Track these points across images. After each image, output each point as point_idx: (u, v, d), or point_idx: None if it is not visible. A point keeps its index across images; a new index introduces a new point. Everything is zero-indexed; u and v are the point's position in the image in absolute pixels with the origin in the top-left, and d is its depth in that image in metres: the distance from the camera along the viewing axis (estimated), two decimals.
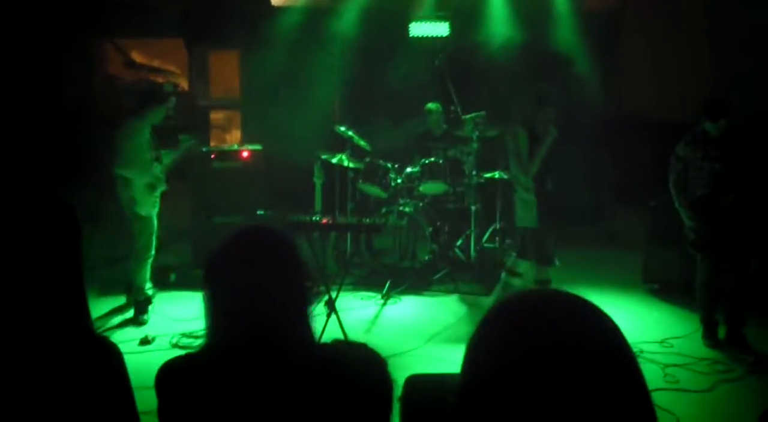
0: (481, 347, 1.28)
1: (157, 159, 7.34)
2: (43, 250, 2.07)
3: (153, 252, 7.47)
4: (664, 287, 8.18)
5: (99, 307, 7.52)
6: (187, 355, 2.25)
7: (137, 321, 7.32)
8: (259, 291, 2.08)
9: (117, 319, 7.42)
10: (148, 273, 7.49)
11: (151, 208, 7.34)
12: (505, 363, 1.20)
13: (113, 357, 2.19)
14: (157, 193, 7.37)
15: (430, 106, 9.41)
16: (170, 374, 2.18)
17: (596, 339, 1.23)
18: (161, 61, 13.39)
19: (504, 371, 1.20)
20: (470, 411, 1.25)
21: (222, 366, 2.08)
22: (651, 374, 6.02)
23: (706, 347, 6.64)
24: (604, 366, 1.20)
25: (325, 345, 2.16)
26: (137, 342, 6.68)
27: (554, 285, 7.29)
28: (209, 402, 2.07)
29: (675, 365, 6.21)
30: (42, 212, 2.11)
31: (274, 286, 2.09)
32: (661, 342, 6.74)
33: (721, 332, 6.71)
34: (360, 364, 2.06)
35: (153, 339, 6.77)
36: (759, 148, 6.47)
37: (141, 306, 7.40)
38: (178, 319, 7.31)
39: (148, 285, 7.52)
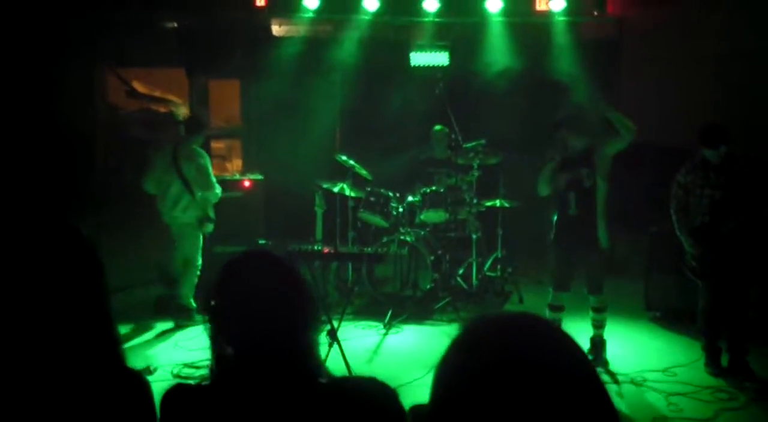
0: (446, 369, 1.30)
1: None
2: (70, 284, 2.09)
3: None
4: (666, 314, 8.17)
5: None
6: (196, 384, 2.26)
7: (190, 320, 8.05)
8: (264, 313, 2.10)
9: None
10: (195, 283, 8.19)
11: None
12: (467, 385, 1.23)
13: (144, 388, 2.21)
14: None
15: (436, 128, 9.44)
16: (176, 397, 2.18)
17: (559, 363, 1.24)
18: (162, 91, 13.44)
19: (467, 393, 1.22)
20: None
21: (229, 391, 2.09)
22: (655, 402, 6.03)
23: (709, 375, 6.62)
24: (567, 389, 1.21)
25: (337, 378, 2.18)
26: None
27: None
28: None
29: (678, 393, 6.19)
30: (64, 245, 2.13)
31: (279, 309, 2.12)
32: (664, 370, 6.72)
33: (724, 360, 6.70)
34: (373, 396, 2.07)
35: (155, 369, 6.75)
36: (759, 175, 6.49)
37: (189, 313, 8.11)
38: (180, 349, 7.32)
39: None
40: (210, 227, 8.15)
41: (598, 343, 6.95)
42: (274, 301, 2.11)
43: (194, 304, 8.15)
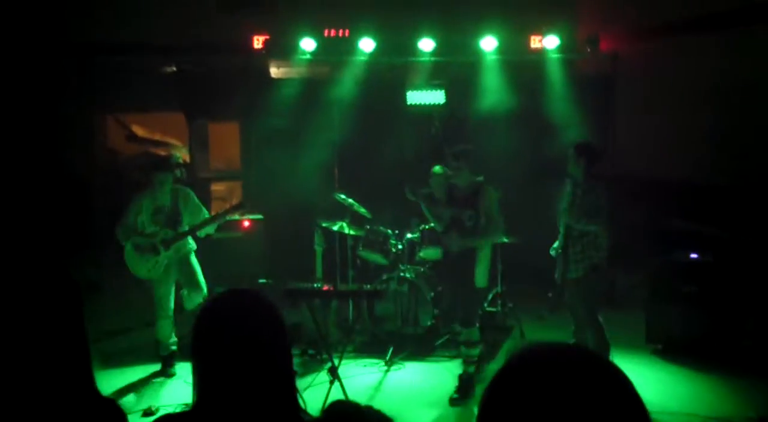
0: (494, 410, 1.29)
1: (157, 223, 7.75)
2: (48, 321, 2.13)
3: (168, 312, 7.84)
4: (667, 347, 8.16)
5: (102, 379, 7.52)
6: (181, 412, 2.29)
7: (165, 373, 7.79)
8: (242, 352, 2.12)
9: (120, 390, 7.40)
10: (167, 330, 7.85)
11: (146, 272, 7.74)
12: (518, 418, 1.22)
13: (119, 419, 2.24)
14: (151, 257, 7.69)
15: (436, 169, 9.47)
16: None
17: (611, 400, 1.29)
18: (162, 134, 13.56)
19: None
20: None
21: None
22: None
23: None
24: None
25: (329, 407, 2.19)
26: (140, 413, 6.66)
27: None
28: None
29: None
30: (46, 284, 2.17)
31: (256, 347, 2.14)
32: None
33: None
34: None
35: (156, 409, 6.76)
36: None
37: (165, 360, 7.86)
38: (180, 390, 7.32)
39: (173, 339, 7.90)
40: (139, 271, 7.75)
41: (466, 380, 7.14)
42: (247, 341, 2.14)
43: (173, 348, 7.93)
